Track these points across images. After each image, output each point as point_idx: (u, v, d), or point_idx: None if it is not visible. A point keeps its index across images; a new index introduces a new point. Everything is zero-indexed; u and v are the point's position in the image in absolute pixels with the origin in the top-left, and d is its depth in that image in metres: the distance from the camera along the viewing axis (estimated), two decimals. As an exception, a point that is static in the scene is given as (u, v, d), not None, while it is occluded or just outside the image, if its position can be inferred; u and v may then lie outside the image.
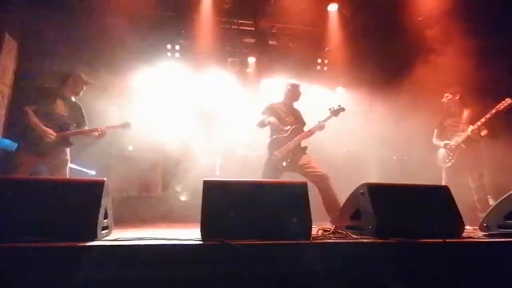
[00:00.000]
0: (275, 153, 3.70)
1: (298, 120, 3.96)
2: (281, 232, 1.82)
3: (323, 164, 3.84)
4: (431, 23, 4.89)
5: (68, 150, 3.61)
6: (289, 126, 3.80)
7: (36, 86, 3.88)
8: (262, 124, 3.93)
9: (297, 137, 3.73)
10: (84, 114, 3.80)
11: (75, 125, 3.70)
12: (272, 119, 3.78)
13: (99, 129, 3.68)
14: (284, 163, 3.66)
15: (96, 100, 4.74)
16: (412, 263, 1.77)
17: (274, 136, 3.81)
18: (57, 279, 1.47)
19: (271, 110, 3.93)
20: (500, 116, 3.65)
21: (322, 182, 3.52)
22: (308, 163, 3.65)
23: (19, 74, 4.67)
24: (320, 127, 3.78)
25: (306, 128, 3.89)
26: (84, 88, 3.77)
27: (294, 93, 4.02)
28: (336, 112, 3.85)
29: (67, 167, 3.60)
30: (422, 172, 5.09)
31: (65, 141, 3.54)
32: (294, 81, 4.15)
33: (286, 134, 3.74)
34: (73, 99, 3.71)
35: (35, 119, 3.35)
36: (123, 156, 5.56)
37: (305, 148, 3.80)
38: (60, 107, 3.55)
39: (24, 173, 3.24)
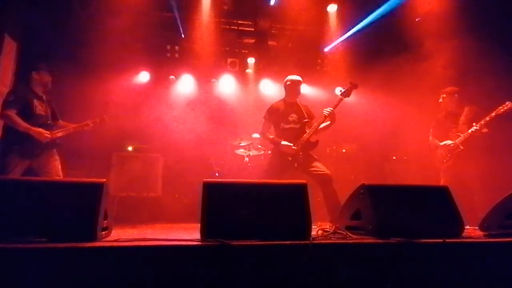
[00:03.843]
0: (286, 154, 3.57)
1: (302, 117, 3.73)
2: (281, 232, 1.82)
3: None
4: (429, 23, 4.90)
5: (55, 150, 3.56)
6: (292, 125, 3.67)
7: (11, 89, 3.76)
8: (264, 138, 3.86)
9: (305, 134, 3.57)
10: (56, 110, 3.73)
11: (50, 122, 3.62)
12: (271, 138, 3.70)
13: (88, 123, 3.72)
14: (296, 164, 3.54)
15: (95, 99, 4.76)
16: (412, 264, 1.77)
17: (282, 141, 3.63)
18: (57, 280, 1.47)
19: (271, 113, 3.82)
20: (500, 118, 3.64)
21: (326, 182, 3.43)
22: (312, 162, 3.56)
23: (18, 75, 4.67)
24: (330, 115, 3.49)
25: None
26: (51, 78, 3.63)
27: (293, 88, 3.81)
28: (347, 92, 3.50)
29: (59, 167, 3.56)
30: (421, 172, 5.10)
31: (53, 142, 3.49)
32: (293, 76, 3.87)
33: (292, 144, 3.56)
34: (45, 97, 3.63)
35: (23, 123, 3.27)
36: (123, 156, 5.57)
37: (316, 143, 3.62)
38: (39, 107, 3.48)
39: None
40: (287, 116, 3.74)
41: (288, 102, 3.85)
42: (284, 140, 3.62)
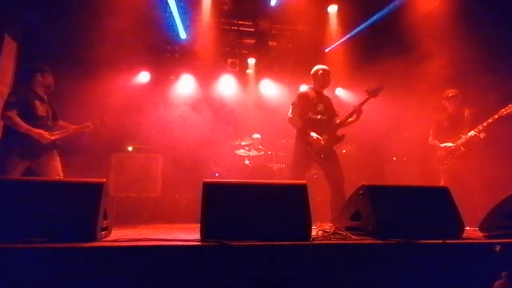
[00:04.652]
0: (312, 146, 3.52)
1: (328, 109, 3.74)
2: (281, 233, 1.82)
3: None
4: (430, 23, 4.90)
5: (55, 151, 3.55)
6: (319, 116, 3.64)
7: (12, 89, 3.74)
8: (292, 123, 3.75)
9: (330, 129, 3.58)
10: (56, 110, 3.70)
11: (51, 123, 3.60)
12: (300, 125, 3.63)
13: (88, 125, 3.70)
14: (323, 155, 3.51)
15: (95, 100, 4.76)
16: (412, 264, 1.77)
17: (312, 133, 3.57)
18: (57, 280, 1.46)
19: (301, 99, 3.71)
20: (502, 121, 3.65)
21: (339, 182, 3.45)
22: (332, 158, 3.55)
23: (18, 75, 4.66)
24: (355, 112, 3.55)
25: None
26: (54, 80, 3.62)
27: (325, 77, 3.76)
28: (374, 92, 3.54)
29: (60, 167, 3.55)
30: (421, 172, 5.09)
31: (53, 143, 3.48)
32: (322, 65, 3.84)
33: (321, 138, 3.52)
34: (46, 97, 3.61)
35: (24, 124, 3.25)
36: (122, 156, 5.56)
37: (342, 137, 3.63)
38: (40, 108, 3.46)
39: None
40: (316, 106, 3.68)
41: (317, 92, 3.79)
42: (311, 130, 3.56)
